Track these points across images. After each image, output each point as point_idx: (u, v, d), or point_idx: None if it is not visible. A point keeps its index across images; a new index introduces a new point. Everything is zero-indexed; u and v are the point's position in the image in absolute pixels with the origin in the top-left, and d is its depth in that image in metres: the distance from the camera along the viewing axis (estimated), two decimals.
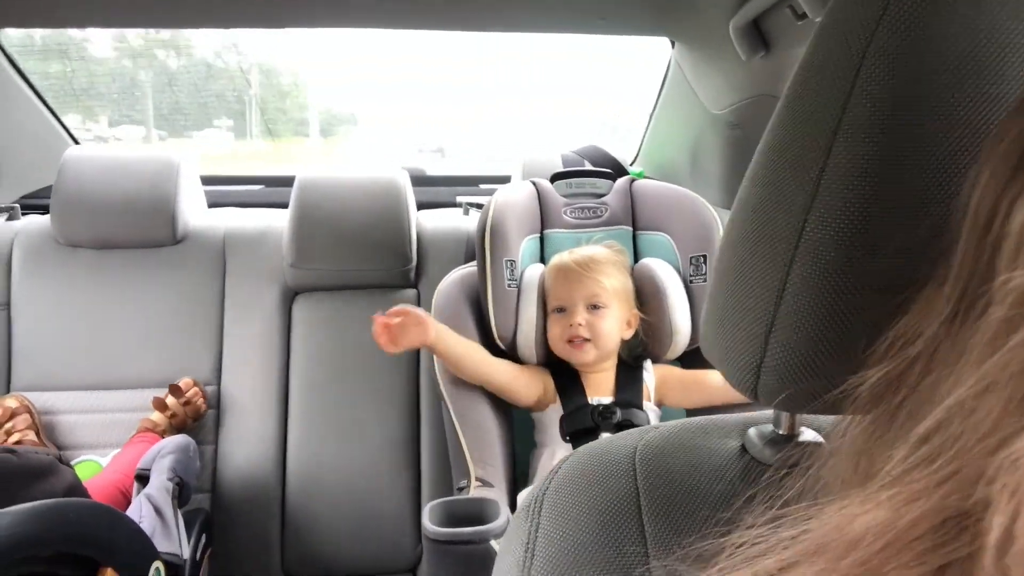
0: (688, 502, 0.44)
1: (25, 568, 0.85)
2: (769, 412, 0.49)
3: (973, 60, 0.32)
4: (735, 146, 1.55)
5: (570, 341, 1.31)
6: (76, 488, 1.00)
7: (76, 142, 1.94)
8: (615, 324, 1.32)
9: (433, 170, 2.18)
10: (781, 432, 0.47)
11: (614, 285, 1.32)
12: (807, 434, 0.47)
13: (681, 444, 0.49)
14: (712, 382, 1.32)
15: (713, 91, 1.54)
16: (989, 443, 0.22)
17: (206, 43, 2.57)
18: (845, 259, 0.35)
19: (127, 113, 2.76)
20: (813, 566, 0.26)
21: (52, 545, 0.87)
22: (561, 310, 1.33)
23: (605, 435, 1.26)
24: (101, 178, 1.61)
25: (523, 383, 1.33)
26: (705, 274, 1.38)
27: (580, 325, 1.30)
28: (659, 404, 1.35)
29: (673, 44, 1.64)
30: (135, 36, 2.41)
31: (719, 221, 1.40)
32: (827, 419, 0.51)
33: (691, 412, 1.39)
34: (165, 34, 2.36)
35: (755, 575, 0.28)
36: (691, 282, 1.39)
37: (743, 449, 0.47)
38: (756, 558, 0.29)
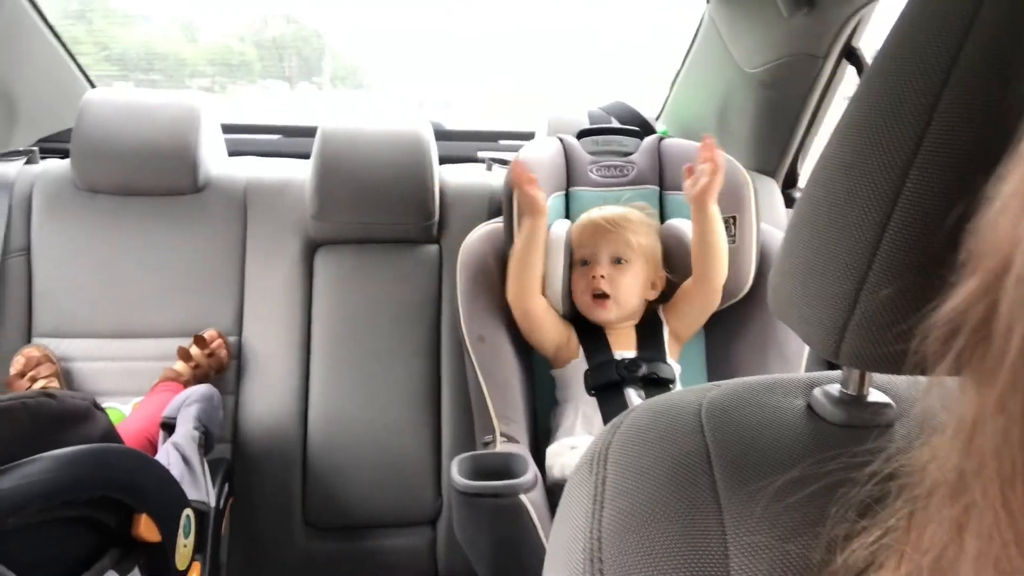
0: (758, 459, 0.43)
1: (66, 511, 0.86)
2: (834, 372, 0.48)
3: None
4: (768, 107, 1.52)
5: (593, 297, 1.31)
6: (111, 434, 0.99)
7: (92, 85, 1.91)
8: (637, 282, 1.32)
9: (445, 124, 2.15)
10: (850, 392, 0.46)
11: (640, 242, 1.32)
12: (875, 395, 0.47)
13: (746, 401, 0.48)
14: (687, 289, 1.34)
15: (748, 49, 1.51)
16: None
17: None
18: (950, 212, 0.33)
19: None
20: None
21: (90, 490, 0.87)
22: (585, 263, 1.33)
23: (630, 390, 1.26)
24: (121, 123, 1.59)
25: (552, 321, 1.33)
26: (734, 236, 1.36)
27: (602, 278, 1.29)
28: (677, 344, 1.36)
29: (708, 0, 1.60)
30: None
31: (751, 182, 1.38)
32: (898, 381, 0.50)
33: (710, 347, 1.40)
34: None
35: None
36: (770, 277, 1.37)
37: (809, 408, 0.47)
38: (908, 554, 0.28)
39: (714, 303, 1.33)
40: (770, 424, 0.46)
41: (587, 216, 1.36)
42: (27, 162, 1.68)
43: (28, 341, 1.56)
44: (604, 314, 1.31)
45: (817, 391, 0.47)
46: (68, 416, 0.91)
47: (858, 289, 0.37)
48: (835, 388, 0.47)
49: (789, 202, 1.67)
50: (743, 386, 0.51)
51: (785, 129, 1.54)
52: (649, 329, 1.35)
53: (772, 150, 1.55)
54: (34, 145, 1.78)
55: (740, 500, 0.42)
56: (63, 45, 1.78)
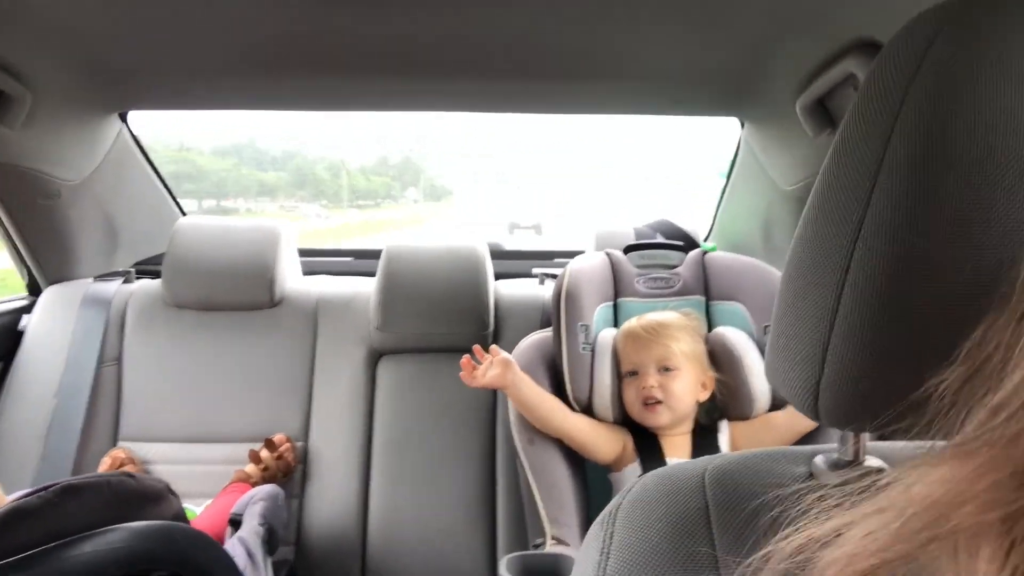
0: (753, 515, 0.47)
1: None
2: (836, 444, 0.52)
3: (1003, 120, 0.37)
4: None
5: (644, 403, 1.33)
6: (181, 516, 1.07)
7: (184, 213, 2.12)
8: (687, 386, 1.34)
9: (523, 246, 2.29)
10: (846, 458, 0.50)
11: (683, 349, 1.35)
12: (872, 460, 0.50)
13: (749, 467, 0.52)
14: (776, 419, 1.34)
15: (783, 168, 1.59)
16: None
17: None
18: (894, 280, 0.39)
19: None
20: (879, 519, 0.28)
21: (159, 564, 0.94)
22: (633, 373, 1.36)
23: None
24: (208, 246, 1.76)
25: (600, 438, 1.36)
26: None
27: (653, 387, 1.32)
28: None
29: (743, 124, 1.72)
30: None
31: None
32: (897, 446, 0.54)
33: None
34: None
35: (811, 537, 0.31)
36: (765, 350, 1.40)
37: (810, 475, 0.51)
38: (817, 522, 0.32)
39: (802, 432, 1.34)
40: (769, 486, 0.50)
41: (627, 327, 1.41)
42: (124, 281, 1.87)
43: (115, 443, 1.68)
44: (657, 419, 1.33)
45: (818, 458, 0.51)
46: (144, 495, 0.99)
47: (824, 351, 0.42)
48: (834, 454, 0.51)
49: None
50: (748, 454, 0.55)
51: None
52: (705, 438, 1.36)
53: None
54: (131, 267, 1.98)
55: (735, 552, 0.46)
56: (160, 178, 2.00)
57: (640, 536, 0.48)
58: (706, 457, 0.55)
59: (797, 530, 0.33)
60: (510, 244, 2.31)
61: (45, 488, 0.87)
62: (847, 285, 0.41)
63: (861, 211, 0.41)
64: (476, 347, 1.38)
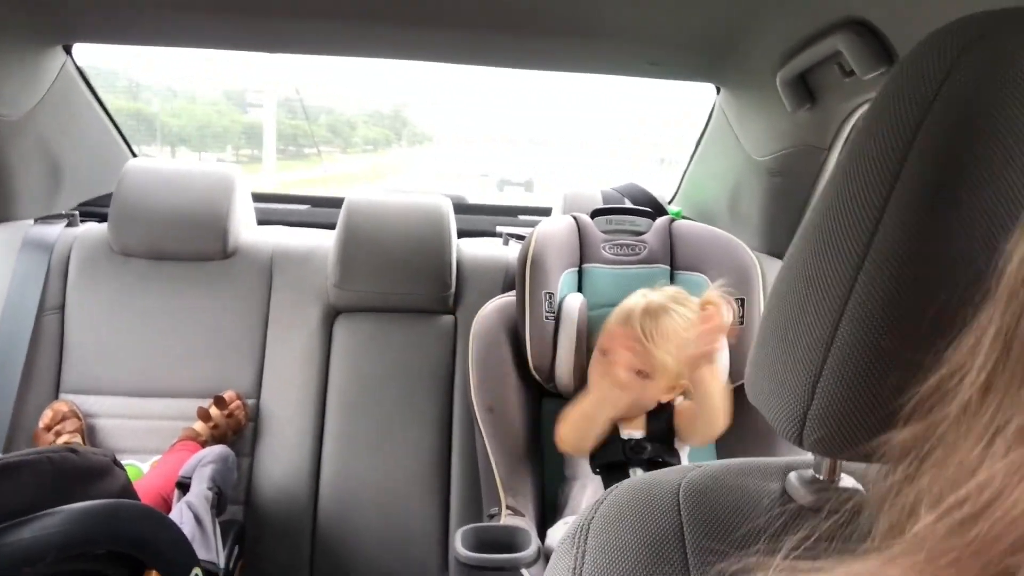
0: (730, 541, 0.46)
1: (78, 564, 0.89)
2: (809, 457, 0.51)
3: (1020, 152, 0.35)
4: (775, 193, 1.57)
5: None
6: (128, 490, 1.03)
7: (134, 155, 2.02)
8: (656, 391, 1.30)
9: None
10: (821, 477, 0.49)
11: (667, 363, 1.27)
12: (846, 480, 0.49)
13: (724, 484, 0.51)
14: (690, 416, 1.29)
15: (756, 138, 1.57)
16: (1021, 527, 0.22)
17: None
18: (891, 317, 0.37)
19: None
20: None
21: (103, 544, 0.90)
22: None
23: (635, 470, 1.27)
24: (158, 190, 1.67)
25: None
26: (743, 317, 1.39)
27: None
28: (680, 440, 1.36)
29: (719, 90, 1.68)
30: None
31: (758, 265, 1.42)
32: (871, 467, 0.53)
33: (720, 448, 1.40)
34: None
35: None
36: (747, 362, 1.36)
37: (783, 492, 0.50)
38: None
39: (713, 437, 1.30)
40: (744, 506, 0.49)
41: (625, 312, 1.31)
42: (68, 225, 1.77)
43: (56, 396, 1.61)
44: None
45: (792, 475, 0.50)
46: (89, 471, 0.95)
47: (815, 383, 0.41)
48: (809, 472, 0.50)
49: None
50: (722, 468, 0.53)
51: (793, 213, 1.58)
52: (661, 411, 1.33)
53: (781, 233, 1.60)
54: (75, 209, 1.87)
55: None
56: (109, 116, 1.89)
57: (613, 560, 0.46)
58: (680, 468, 0.54)
59: None
60: (496, 200, 2.27)
61: None
62: (846, 316, 0.39)
63: (867, 237, 0.39)
64: None
